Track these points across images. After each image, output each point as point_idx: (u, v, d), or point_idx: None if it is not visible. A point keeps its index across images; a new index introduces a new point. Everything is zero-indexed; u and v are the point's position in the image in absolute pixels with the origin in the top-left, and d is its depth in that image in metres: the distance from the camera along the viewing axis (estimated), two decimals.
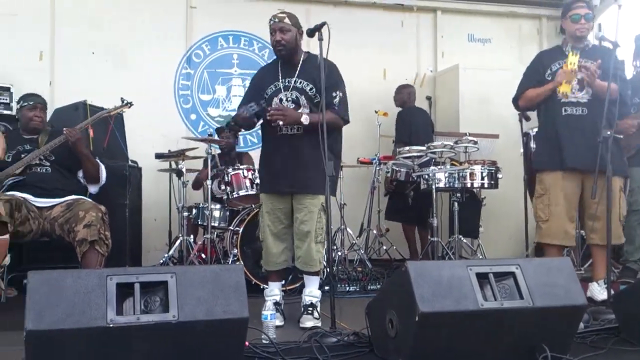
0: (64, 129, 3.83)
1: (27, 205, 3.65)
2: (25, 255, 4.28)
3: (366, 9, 6.59)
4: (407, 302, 2.18)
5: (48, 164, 3.85)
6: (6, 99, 4.98)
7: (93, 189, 4.05)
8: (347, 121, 3.44)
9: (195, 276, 2.13)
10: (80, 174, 4.00)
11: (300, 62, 3.42)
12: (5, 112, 5.03)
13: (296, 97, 3.37)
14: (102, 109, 4.86)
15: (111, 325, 1.91)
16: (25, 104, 3.96)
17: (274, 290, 3.47)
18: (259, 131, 6.07)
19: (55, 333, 1.85)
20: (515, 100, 3.91)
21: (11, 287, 4.03)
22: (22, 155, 3.82)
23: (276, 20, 3.37)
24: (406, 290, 2.20)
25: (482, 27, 6.87)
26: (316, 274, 3.46)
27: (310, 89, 3.36)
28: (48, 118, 4.20)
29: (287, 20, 3.37)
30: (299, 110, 3.33)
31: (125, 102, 4.17)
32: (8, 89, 5.04)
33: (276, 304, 3.37)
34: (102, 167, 4.05)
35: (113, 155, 4.76)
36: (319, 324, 3.22)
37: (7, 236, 3.46)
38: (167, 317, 2.00)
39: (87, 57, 5.78)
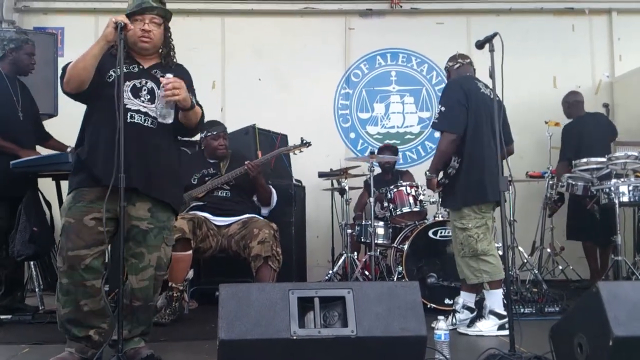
0: (246, 162, 3.97)
1: (207, 223, 3.92)
2: (204, 270, 4.60)
3: (532, 15, 6.27)
4: (599, 325, 2.06)
5: (228, 188, 4.08)
6: None
7: (264, 211, 4.26)
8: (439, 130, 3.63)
9: (372, 292, 2.15)
10: (255, 197, 4.22)
11: None
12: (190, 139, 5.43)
13: None
14: (268, 132, 5.16)
15: (294, 338, 1.97)
16: (209, 133, 4.13)
17: (465, 299, 3.59)
18: (419, 147, 6.19)
19: (245, 343, 1.94)
20: None
21: (192, 299, 4.33)
22: (206, 179, 4.11)
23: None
24: (598, 313, 2.07)
25: None
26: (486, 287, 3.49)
27: None
28: None
29: None
30: None
31: (304, 142, 4.24)
32: None
33: (467, 308, 3.54)
34: (274, 193, 4.25)
35: (279, 175, 4.95)
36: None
37: (190, 252, 3.74)
38: (346, 331, 2.04)
39: (253, 84, 6.09)
